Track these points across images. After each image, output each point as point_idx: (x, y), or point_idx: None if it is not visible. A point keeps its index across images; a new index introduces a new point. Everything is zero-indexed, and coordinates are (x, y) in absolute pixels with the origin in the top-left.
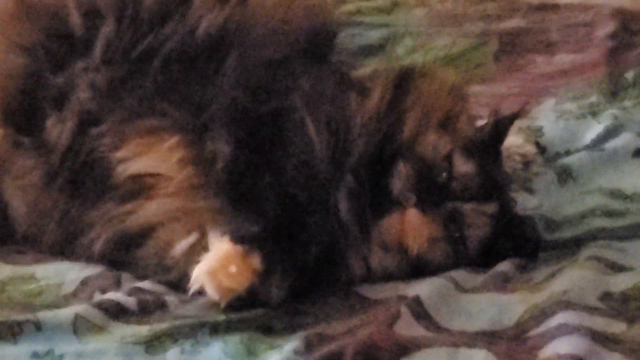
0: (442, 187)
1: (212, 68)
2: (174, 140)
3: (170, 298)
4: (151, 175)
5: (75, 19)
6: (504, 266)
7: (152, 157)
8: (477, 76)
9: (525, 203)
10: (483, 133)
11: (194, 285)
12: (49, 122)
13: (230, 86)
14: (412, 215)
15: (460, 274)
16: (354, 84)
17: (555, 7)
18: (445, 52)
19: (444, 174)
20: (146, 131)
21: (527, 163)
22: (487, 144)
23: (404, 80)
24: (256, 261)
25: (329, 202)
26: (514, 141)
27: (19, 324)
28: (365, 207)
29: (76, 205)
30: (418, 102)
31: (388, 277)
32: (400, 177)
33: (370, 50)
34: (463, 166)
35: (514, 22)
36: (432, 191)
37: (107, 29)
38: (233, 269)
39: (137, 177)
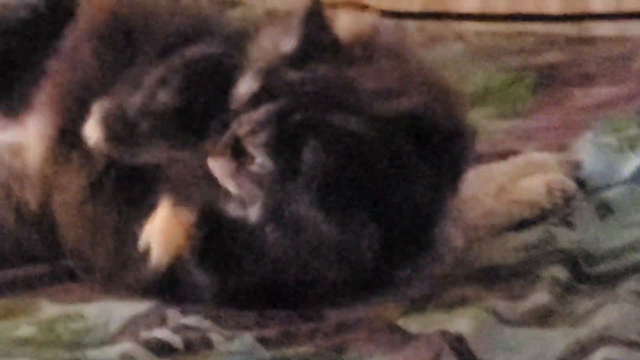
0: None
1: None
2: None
3: (216, 335)
4: None
5: (120, 41)
6: (544, 297)
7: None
8: (516, 110)
9: (565, 237)
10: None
11: (141, 246)
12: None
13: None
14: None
15: (500, 304)
16: None
17: (592, 40)
18: (483, 86)
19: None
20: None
21: (567, 198)
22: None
23: None
24: (190, 216)
25: None
26: (555, 177)
27: None
28: None
29: (123, 220)
30: None
31: None
32: None
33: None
34: (244, 87)
35: (552, 56)
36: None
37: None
38: (166, 223)
39: None
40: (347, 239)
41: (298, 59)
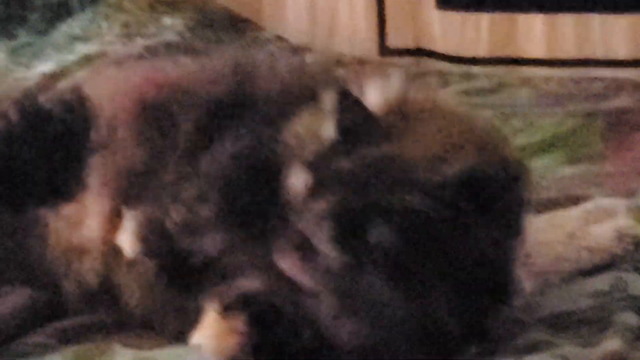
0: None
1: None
2: None
3: None
4: None
5: (185, 123)
6: (615, 344)
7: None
8: (585, 155)
9: (636, 284)
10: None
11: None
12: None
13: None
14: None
15: (571, 350)
16: None
17: None
18: (552, 132)
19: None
20: None
21: (638, 244)
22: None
23: None
24: (240, 323)
25: None
26: (625, 222)
27: None
28: None
29: (185, 296)
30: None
31: None
32: None
33: None
34: (296, 182)
35: (620, 101)
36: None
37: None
38: (211, 333)
39: None
40: (425, 312)
41: (342, 146)
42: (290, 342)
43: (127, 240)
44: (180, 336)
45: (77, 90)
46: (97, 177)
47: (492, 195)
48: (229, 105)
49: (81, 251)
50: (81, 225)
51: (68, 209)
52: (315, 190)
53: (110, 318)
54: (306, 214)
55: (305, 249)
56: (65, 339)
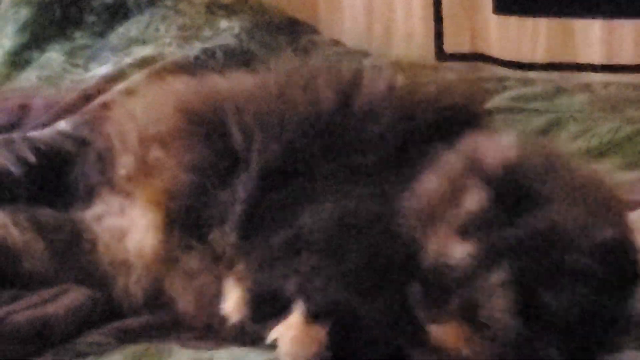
0: (448, 286)
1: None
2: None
3: None
4: None
5: (236, 135)
6: None
7: None
8: None
9: None
10: (482, 201)
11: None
12: (213, 237)
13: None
14: (433, 331)
15: None
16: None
17: None
18: (609, 138)
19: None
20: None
21: None
22: (487, 211)
23: None
24: (322, 334)
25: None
26: None
27: None
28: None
29: None
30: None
31: None
32: (413, 296)
33: (534, 136)
34: (457, 252)
35: None
36: (443, 297)
37: (257, 144)
38: (291, 335)
39: None
40: None
41: (498, 213)
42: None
43: (233, 308)
44: (238, 337)
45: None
46: (147, 192)
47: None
48: (333, 127)
49: (126, 265)
50: (126, 239)
51: (112, 220)
52: (487, 260)
53: (168, 318)
54: (476, 283)
55: (474, 320)
56: (124, 338)
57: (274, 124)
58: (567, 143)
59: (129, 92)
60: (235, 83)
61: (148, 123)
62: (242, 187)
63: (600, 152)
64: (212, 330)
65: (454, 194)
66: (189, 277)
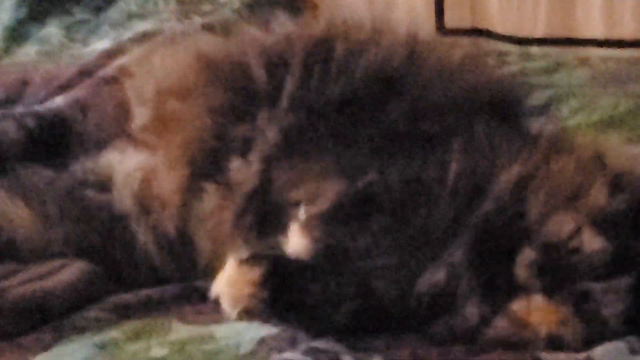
0: (569, 268)
1: (380, 110)
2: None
3: (347, 358)
4: None
5: (259, 74)
6: None
7: None
8: None
9: None
10: (620, 202)
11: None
12: (234, 167)
13: (392, 120)
14: (538, 301)
15: (637, 340)
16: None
17: None
18: (610, 112)
19: (572, 252)
20: (318, 175)
21: None
22: (625, 214)
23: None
24: (256, 274)
25: (443, 247)
26: None
27: None
28: (486, 269)
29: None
30: (546, 183)
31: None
32: (525, 265)
33: (535, 112)
34: (593, 243)
35: None
36: (559, 274)
37: (293, 79)
38: (226, 280)
39: None
40: None
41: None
42: (306, 299)
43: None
44: None
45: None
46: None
47: None
48: (401, 83)
49: (161, 201)
50: (158, 179)
51: (141, 159)
52: (621, 262)
53: (169, 293)
54: (605, 280)
55: (582, 310)
56: (124, 314)
57: (327, 65)
58: (568, 118)
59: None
60: (259, 34)
61: (166, 76)
62: (269, 121)
63: (600, 127)
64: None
65: (582, 183)
66: (204, 219)
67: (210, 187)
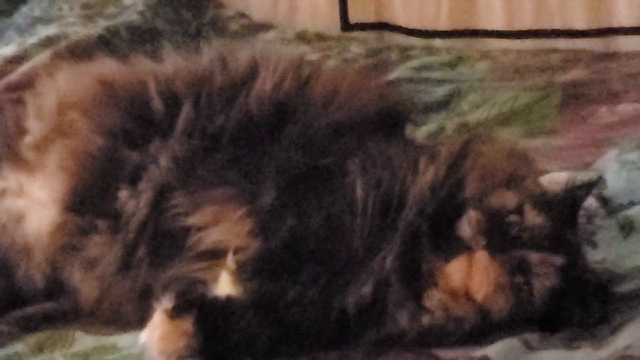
0: (511, 236)
1: (274, 135)
2: (242, 211)
3: None
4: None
5: (157, 104)
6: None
7: (224, 227)
8: (542, 129)
9: (589, 257)
10: (557, 197)
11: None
12: (123, 198)
13: (287, 148)
14: (481, 257)
15: (532, 336)
16: (424, 149)
17: (616, 56)
18: (510, 106)
19: (514, 223)
20: (217, 200)
21: (590, 217)
22: (561, 209)
23: (464, 147)
24: (187, 325)
25: (368, 263)
26: None
27: None
28: (416, 265)
29: (157, 273)
30: (477, 165)
31: (449, 332)
32: (471, 221)
33: (435, 106)
34: (534, 218)
35: (577, 73)
36: (502, 238)
37: (186, 110)
38: (158, 334)
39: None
40: None
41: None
42: (241, 343)
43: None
44: (141, 323)
45: None
46: (54, 158)
47: None
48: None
49: (27, 249)
50: (24, 221)
51: (10, 201)
52: (554, 239)
53: (69, 306)
54: (541, 254)
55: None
56: (27, 326)
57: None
58: (468, 112)
59: (34, 73)
60: (159, 63)
61: (69, 92)
62: (162, 149)
63: (500, 121)
64: (118, 317)
65: (515, 172)
66: (91, 265)
67: (101, 224)
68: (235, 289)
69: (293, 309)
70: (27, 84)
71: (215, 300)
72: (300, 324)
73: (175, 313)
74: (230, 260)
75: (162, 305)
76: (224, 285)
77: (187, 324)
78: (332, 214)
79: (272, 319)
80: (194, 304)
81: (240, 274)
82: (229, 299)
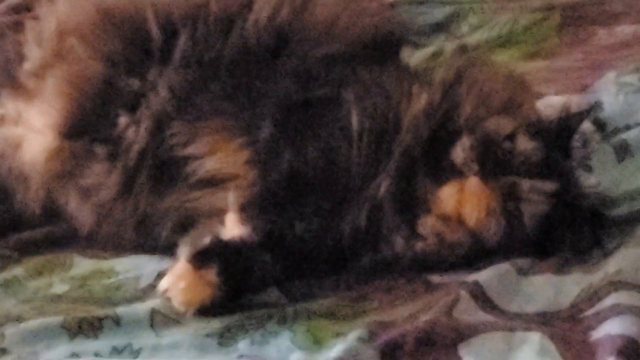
0: (503, 162)
1: (270, 66)
2: (239, 141)
3: None
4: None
5: (154, 30)
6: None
7: (221, 156)
8: (541, 51)
9: (583, 181)
10: (552, 124)
11: (159, 291)
12: (123, 124)
13: (283, 80)
14: (473, 182)
15: (525, 261)
16: (418, 75)
17: None
18: (509, 28)
19: (507, 149)
20: (215, 130)
21: (585, 141)
22: (555, 136)
23: (459, 73)
24: (212, 275)
25: (364, 190)
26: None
27: (100, 319)
28: (410, 192)
29: (156, 201)
30: (473, 91)
31: (442, 257)
32: (464, 147)
33: (435, 28)
34: (526, 144)
35: None
36: (494, 164)
37: (184, 38)
38: (183, 285)
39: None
40: None
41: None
42: (257, 281)
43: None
44: (138, 248)
45: None
46: (52, 83)
47: None
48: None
49: (24, 177)
50: (21, 149)
51: (7, 129)
52: (545, 166)
53: (67, 231)
54: (532, 181)
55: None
56: (25, 250)
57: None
58: (468, 34)
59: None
60: None
61: (68, 18)
62: (160, 77)
63: (499, 43)
64: (116, 242)
65: (512, 98)
66: (88, 191)
67: (100, 150)
68: (243, 229)
69: (301, 241)
70: (27, 6)
71: (232, 246)
72: (308, 254)
73: (200, 263)
74: (231, 199)
75: (185, 255)
76: (232, 226)
77: (211, 274)
78: (329, 145)
79: (282, 253)
80: (215, 253)
81: (246, 212)
82: (243, 242)
